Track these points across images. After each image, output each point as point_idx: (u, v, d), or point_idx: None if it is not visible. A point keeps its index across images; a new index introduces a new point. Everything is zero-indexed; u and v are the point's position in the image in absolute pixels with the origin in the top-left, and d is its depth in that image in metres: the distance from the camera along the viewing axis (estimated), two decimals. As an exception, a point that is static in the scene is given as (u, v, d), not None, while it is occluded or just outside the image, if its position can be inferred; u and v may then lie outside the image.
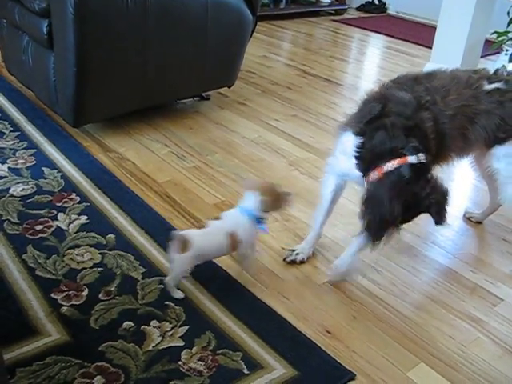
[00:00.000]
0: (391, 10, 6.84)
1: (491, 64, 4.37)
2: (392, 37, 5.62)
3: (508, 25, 4.53)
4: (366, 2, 6.90)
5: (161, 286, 1.83)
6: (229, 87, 3.34)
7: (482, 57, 4.24)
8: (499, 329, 1.84)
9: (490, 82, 1.90)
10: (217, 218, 1.83)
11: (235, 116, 3.22)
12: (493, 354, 1.74)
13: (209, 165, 2.65)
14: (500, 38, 4.16)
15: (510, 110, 1.87)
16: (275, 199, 1.82)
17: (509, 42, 4.17)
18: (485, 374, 1.66)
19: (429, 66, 4.08)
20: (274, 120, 3.22)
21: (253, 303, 1.82)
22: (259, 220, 1.82)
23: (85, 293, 1.78)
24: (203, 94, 3.39)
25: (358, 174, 1.76)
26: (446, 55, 3.97)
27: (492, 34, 4.29)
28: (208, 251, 1.80)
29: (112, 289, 1.81)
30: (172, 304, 1.76)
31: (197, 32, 2.89)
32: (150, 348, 1.60)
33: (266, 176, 2.59)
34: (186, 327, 1.69)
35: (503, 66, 4.10)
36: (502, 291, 2.03)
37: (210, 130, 3.02)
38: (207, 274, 1.90)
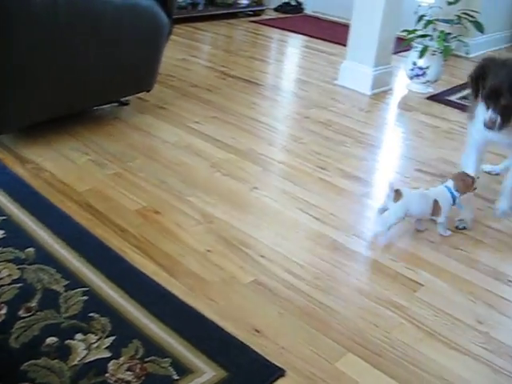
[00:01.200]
0: (308, 10, 6.93)
1: (404, 60, 4.50)
2: (309, 36, 5.70)
3: (416, 23, 4.69)
4: (282, 3, 6.96)
5: (85, 297, 1.78)
6: (148, 91, 3.30)
7: (394, 53, 4.35)
8: (420, 313, 1.90)
9: None
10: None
11: (155, 120, 3.19)
12: (415, 338, 1.79)
13: (130, 171, 2.61)
14: (409, 36, 4.29)
15: None
16: (465, 185, 2.36)
17: (418, 40, 4.30)
18: (408, 357, 1.71)
19: (345, 64, 4.17)
20: (194, 122, 3.20)
21: (179, 307, 1.80)
22: (454, 198, 2.35)
23: (3, 311, 1.72)
24: (122, 100, 3.34)
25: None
26: (361, 53, 4.06)
27: (402, 32, 4.41)
28: (414, 208, 2.29)
29: (33, 304, 1.75)
30: (97, 315, 1.72)
31: (111, 37, 2.84)
32: (76, 362, 1.56)
33: (188, 179, 2.58)
34: (113, 337, 1.65)
35: (414, 62, 4.23)
36: (422, 277, 2.09)
37: (131, 135, 2.97)
38: (132, 280, 1.87)
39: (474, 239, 2.38)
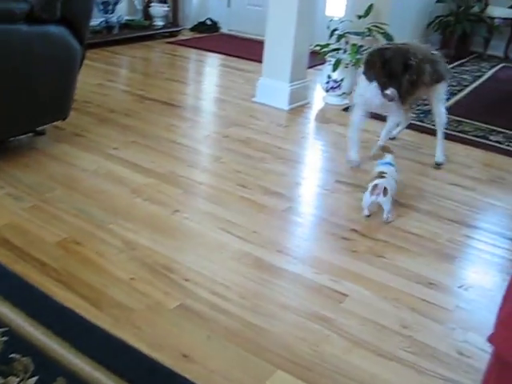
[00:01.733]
0: (224, 29, 7.00)
1: (319, 73, 4.60)
2: (226, 54, 5.75)
3: (329, 37, 4.81)
4: (198, 23, 7.00)
5: (4, 337, 1.72)
6: (64, 120, 3.23)
7: (309, 67, 4.45)
8: (347, 324, 1.93)
9: None
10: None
11: (73, 148, 3.12)
12: (343, 349, 1.82)
13: (48, 203, 2.54)
14: (323, 50, 4.40)
15: None
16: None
17: (331, 53, 4.41)
18: (337, 369, 1.73)
19: (262, 81, 4.22)
20: (113, 149, 3.16)
21: (105, 339, 1.76)
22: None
23: None
24: (37, 129, 3.25)
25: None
26: (276, 69, 4.12)
27: (316, 46, 4.52)
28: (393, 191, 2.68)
29: None
30: (18, 355, 1.66)
31: (21, 67, 2.77)
32: (-3, 407, 1.50)
33: (108, 207, 2.53)
34: (36, 378, 1.60)
35: (328, 75, 4.33)
36: (346, 287, 2.13)
37: (48, 165, 2.90)
38: (54, 316, 1.82)
39: (396, 246, 2.45)
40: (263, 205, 2.68)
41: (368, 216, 2.68)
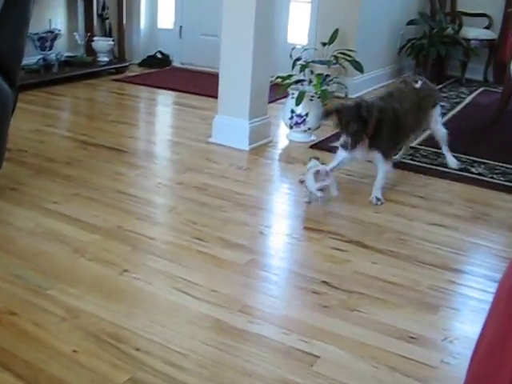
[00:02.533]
0: (176, 63, 7.10)
1: (282, 108, 4.68)
2: (179, 91, 5.82)
3: (292, 67, 4.92)
4: (147, 57, 7.08)
5: None
6: (-5, 173, 3.23)
7: (271, 102, 4.53)
8: (319, 390, 1.93)
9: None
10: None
11: (7, 205, 3.11)
12: (315, 420, 1.81)
13: (-21, 269, 2.52)
14: (285, 82, 4.48)
15: None
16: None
17: (294, 86, 4.50)
18: None
19: (218, 119, 4.28)
20: (52, 203, 3.15)
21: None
22: None
23: None
24: (-35, 186, 3.24)
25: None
26: (233, 105, 4.19)
27: (277, 78, 4.61)
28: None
29: None
30: None
31: None
32: None
33: (48, 270, 2.52)
34: None
35: (292, 110, 4.41)
36: (318, 348, 2.14)
37: (-22, 226, 2.88)
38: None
39: (372, 297, 2.48)
40: (223, 259, 2.70)
41: (308, 203, 3.33)
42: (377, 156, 3.48)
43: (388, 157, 3.51)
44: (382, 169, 3.51)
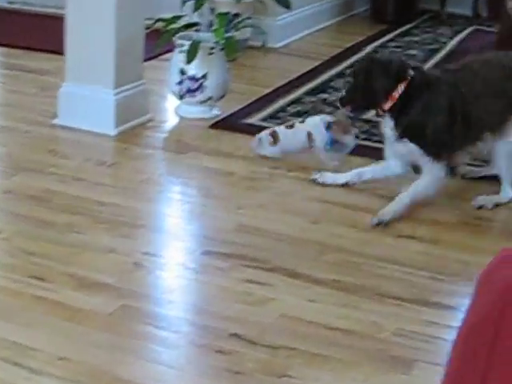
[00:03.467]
0: (1, 2, 6.98)
1: (166, 67, 4.66)
2: (5, 46, 5.72)
3: (181, 5, 4.88)
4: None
5: None
6: None
7: (148, 59, 4.52)
8: None
9: None
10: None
11: None
12: None
13: None
14: (170, 28, 4.44)
15: None
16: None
17: (182, 33, 4.45)
18: None
19: (66, 89, 4.23)
20: None
21: None
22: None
23: None
24: None
25: None
26: (89, 66, 4.15)
27: (156, 22, 4.57)
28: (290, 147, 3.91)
29: None
30: None
31: None
32: None
33: None
34: None
35: (181, 69, 4.38)
36: None
37: None
38: None
39: (308, 353, 2.50)
40: (77, 308, 2.67)
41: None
42: (417, 153, 3.48)
43: (438, 158, 3.46)
44: (426, 176, 3.48)
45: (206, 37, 4.47)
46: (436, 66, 5.74)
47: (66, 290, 2.78)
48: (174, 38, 4.47)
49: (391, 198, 3.48)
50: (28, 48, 5.68)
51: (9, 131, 4.21)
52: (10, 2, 6.94)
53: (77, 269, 2.91)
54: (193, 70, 4.42)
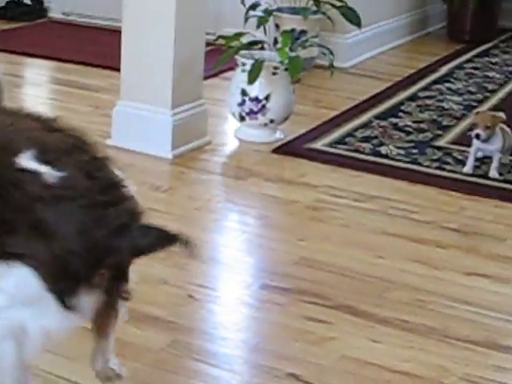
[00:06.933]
0: (55, 13, 7.06)
1: (227, 87, 4.69)
2: (60, 60, 5.80)
3: (245, 21, 4.92)
4: (8, 3, 7.03)
5: None
6: None
7: (208, 77, 4.55)
8: None
9: None
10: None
11: None
12: None
13: None
14: (232, 45, 4.46)
15: None
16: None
17: (245, 52, 4.46)
18: None
19: (121, 108, 4.27)
20: None
21: None
22: None
23: None
24: None
25: None
26: (146, 84, 4.21)
27: (217, 39, 4.59)
28: None
29: None
30: None
31: None
32: None
33: None
34: None
35: (243, 90, 4.39)
36: None
37: None
38: None
39: None
40: (127, 342, 2.68)
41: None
42: None
43: None
44: None
45: (270, 56, 4.50)
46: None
47: (120, 323, 2.82)
48: (235, 57, 4.49)
49: (460, 232, 3.49)
50: (82, 63, 5.77)
51: (61, 151, 4.26)
52: (65, 14, 7.03)
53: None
54: (255, 90, 4.44)
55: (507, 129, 4.26)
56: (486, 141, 4.12)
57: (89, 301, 2.12)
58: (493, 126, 4.13)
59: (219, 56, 4.54)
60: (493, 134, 4.13)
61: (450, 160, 4.31)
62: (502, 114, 4.30)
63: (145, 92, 4.23)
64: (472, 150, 4.17)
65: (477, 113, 4.40)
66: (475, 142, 4.14)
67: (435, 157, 4.35)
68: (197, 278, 3.16)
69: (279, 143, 4.50)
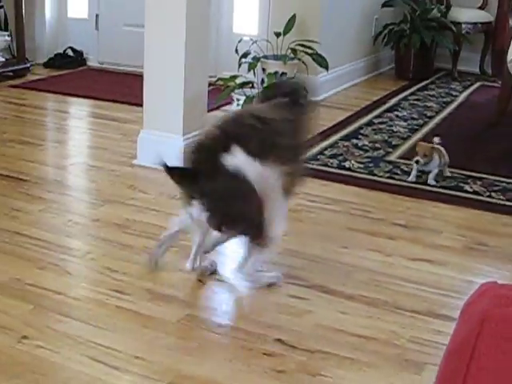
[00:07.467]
0: (92, 62, 7.08)
1: (225, 117, 4.70)
2: (96, 99, 5.83)
3: (239, 66, 4.97)
4: (55, 55, 7.04)
5: None
6: None
7: (211, 110, 4.56)
8: None
9: None
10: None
11: None
12: None
13: None
14: (229, 85, 4.51)
15: None
16: None
17: (238, 90, 4.52)
18: None
19: (144, 135, 4.30)
20: None
21: None
22: None
23: None
24: None
25: None
26: (162, 116, 4.22)
27: (217, 80, 4.63)
28: None
29: None
30: None
31: None
32: None
33: None
34: None
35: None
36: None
37: None
38: None
39: (338, 357, 2.51)
40: (150, 316, 2.71)
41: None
42: None
43: None
44: None
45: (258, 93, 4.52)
46: (446, 118, 5.75)
47: (141, 302, 2.81)
48: (232, 94, 4.53)
49: (406, 227, 3.50)
50: (114, 101, 5.79)
51: (97, 169, 4.27)
52: (100, 63, 7.06)
53: (150, 284, 2.94)
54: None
55: (442, 149, 4.28)
56: (424, 165, 4.18)
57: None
58: (430, 154, 4.16)
59: (219, 93, 4.59)
60: (430, 160, 4.17)
61: (398, 171, 4.34)
62: (437, 139, 4.35)
63: (162, 122, 4.26)
64: (414, 166, 4.21)
65: (418, 142, 4.42)
66: (415, 166, 4.19)
67: (387, 169, 4.37)
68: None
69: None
